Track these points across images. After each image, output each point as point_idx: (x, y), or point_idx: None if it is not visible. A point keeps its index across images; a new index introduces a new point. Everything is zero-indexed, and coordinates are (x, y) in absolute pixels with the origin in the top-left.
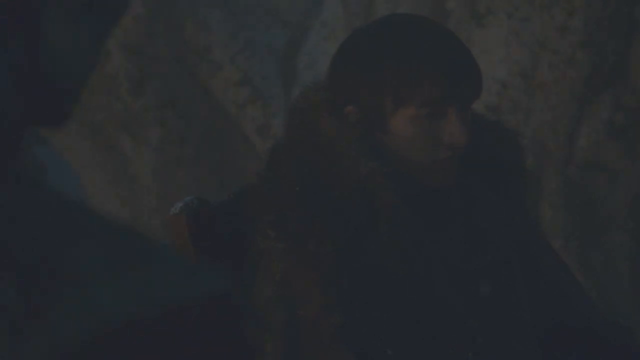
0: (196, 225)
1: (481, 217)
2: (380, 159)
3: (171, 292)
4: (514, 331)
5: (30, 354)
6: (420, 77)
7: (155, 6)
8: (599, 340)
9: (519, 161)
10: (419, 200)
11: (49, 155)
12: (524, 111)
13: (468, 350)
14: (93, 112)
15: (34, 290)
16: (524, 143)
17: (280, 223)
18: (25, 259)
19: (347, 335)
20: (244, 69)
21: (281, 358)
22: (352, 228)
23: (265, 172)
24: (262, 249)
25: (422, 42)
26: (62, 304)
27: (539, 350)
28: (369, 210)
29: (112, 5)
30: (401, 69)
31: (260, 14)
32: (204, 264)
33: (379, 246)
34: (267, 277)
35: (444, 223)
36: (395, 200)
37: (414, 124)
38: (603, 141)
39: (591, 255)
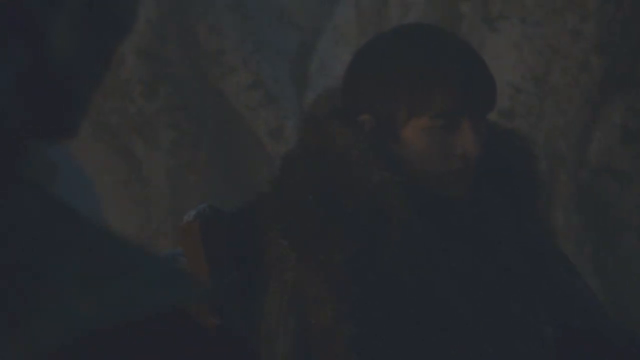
0: (209, 233)
1: (493, 226)
2: (393, 169)
3: (150, 302)
4: (525, 340)
5: None
6: (434, 89)
7: (168, 10)
8: (608, 345)
9: (532, 170)
10: (431, 209)
11: (62, 157)
12: (536, 115)
13: (479, 359)
14: (106, 115)
15: (11, 296)
16: (537, 151)
17: (293, 231)
18: (4, 265)
19: (359, 345)
20: (256, 72)
21: None
22: (364, 237)
23: (278, 180)
24: (274, 258)
25: (438, 53)
26: (40, 311)
27: (549, 358)
28: (382, 220)
29: (119, 18)
30: (416, 79)
31: (272, 17)
32: (185, 273)
33: (391, 255)
34: (279, 285)
35: (456, 232)
36: (407, 209)
37: (427, 134)
38: (615, 145)
39: (604, 259)
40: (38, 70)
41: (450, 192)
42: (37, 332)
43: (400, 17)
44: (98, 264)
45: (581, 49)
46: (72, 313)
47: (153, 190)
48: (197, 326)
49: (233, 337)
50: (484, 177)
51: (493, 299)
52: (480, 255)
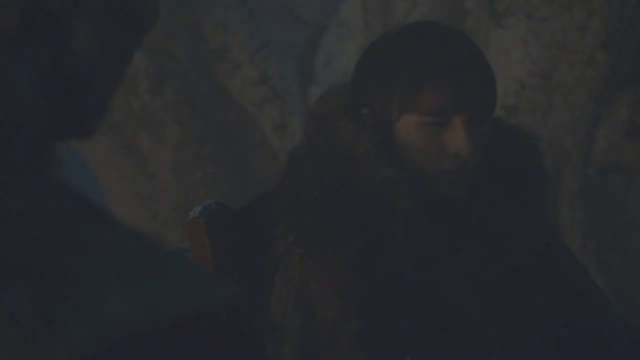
0: (214, 229)
1: (496, 225)
2: (397, 165)
3: (183, 301)
4: (532, 339)
5: None
6: (424, 85)
7: (174, 6)
8: (609, 345)
9: (538, 167)
10: (434, 208)
11: (67, 152)
12: (542, 111)
13: (486, 358)
14: (112, 111)
15: (47, 297)
16: (543, 148)
17: (299, 228)
18: (39, 266)
19: (365, 342)
20: (262, 68)
21: None
22: (370, 233)
23: (284, 177)
24: (280, 254)
25: (432, 51)
26: (76, 311)
27: (557, 358)
28: (387, 216)
29: (139, 19)
30: (408, 75)
31: (278, 13)
32: (214, 274)
33: (396, 252)
34: (285, 282)
35: (461, 230)
36: (412, 206)
37: (417, 131)
38: (621, 142)
39: (610, 256)
40: (60, 71)
41: (449, 192)
42: (70, 333)
43: (405, 13)
44: (129, 265)
45: (587, 45)
46: (109, 313)
47: (158, 185)
48: (222, 326)
49: (238, 335)
50: (487, 175)
51: (495, 297)
52: (482, 254)
